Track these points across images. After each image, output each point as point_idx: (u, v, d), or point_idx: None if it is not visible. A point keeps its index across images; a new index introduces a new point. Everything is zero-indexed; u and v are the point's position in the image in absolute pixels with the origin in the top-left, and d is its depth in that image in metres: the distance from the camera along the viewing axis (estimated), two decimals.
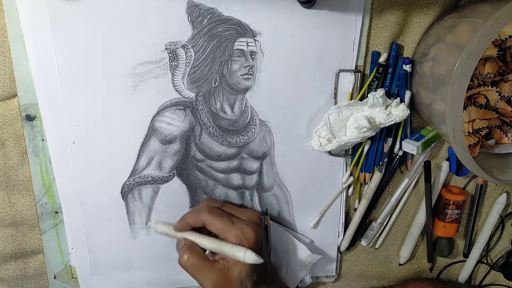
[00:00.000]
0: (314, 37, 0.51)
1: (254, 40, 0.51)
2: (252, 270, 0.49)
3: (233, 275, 0.48)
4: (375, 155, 0.58)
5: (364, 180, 0.59)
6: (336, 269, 0.65)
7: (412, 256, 0.67)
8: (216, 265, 0.48)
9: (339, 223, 0.62)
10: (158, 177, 0.54)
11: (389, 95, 0.54)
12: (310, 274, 0.63)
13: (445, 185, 0.63)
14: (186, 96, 0.52)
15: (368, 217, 0.62)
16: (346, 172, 0.59)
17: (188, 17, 0.48)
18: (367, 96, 0.53)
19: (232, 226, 0.49)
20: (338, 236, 0.62)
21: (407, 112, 0.52)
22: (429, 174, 0.59)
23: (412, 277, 0.69)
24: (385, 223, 0.63)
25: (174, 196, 0.56)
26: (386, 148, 0.57)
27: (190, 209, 0.56)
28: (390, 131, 0.56)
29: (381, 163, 0.58)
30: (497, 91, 0.51)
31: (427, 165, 0.59)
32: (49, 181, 0.52)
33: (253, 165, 0.56)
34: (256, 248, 0.49)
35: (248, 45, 0.51)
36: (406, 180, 0.60)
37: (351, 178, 0.59)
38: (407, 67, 0.52)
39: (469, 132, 0.53)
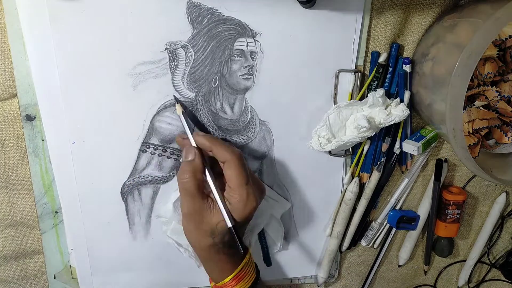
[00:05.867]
0: (314, 37, 0.51)
1: (254, 40, 0.51)
2: (227, 233, 0.46)
3: (210, 219, 0.46)
4: (374, 155, 0.58)
5: (361, 180, 0.59)
6: (336, 269, 0.65)
7: (412, 257, 0.67)
8: (203, 198, 0.47)
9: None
10: (158, 177, 0.54)
11: (389, 95, 0.54)
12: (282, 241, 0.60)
13: (445, 185, 0.63)
14: (186, 96, 0.52)
15: (368, 217, 0.62)
16: (346, 172, 0.59)
17: (188, 17, 0.48)
18: (367, 96, 0.53)
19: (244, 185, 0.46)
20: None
21: (406, 112, 0.52)
22: (440, 173, 0.59)
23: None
24: (385, 223, 0.63)
25: None
26: (385, 148, 0.57)
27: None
28: (388, 131, 0.56)
29: (379, 162, 0.58)
30: (497, 91, 0.51)
31: (438, 163, 0.59)
32: (49, 181, 0.52)
33: (253, 165, 0.56)
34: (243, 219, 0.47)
35: (248, 45, 0.51)
36: (406, 180, 0.60)
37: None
38: (407, 67, 0.52)
39: (469, 132, 0.53)
